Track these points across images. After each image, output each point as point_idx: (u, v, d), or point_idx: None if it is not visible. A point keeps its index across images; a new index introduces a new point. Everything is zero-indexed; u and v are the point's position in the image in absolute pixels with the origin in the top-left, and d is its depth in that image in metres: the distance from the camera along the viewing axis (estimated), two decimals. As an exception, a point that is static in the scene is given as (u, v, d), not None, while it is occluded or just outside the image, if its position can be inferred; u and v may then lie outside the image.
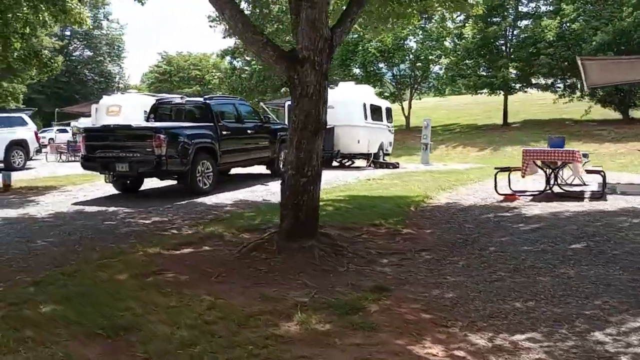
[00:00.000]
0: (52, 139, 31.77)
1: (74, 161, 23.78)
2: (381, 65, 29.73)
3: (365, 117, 16.03)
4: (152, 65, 69.77)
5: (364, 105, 16.11)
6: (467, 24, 27.30)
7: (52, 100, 56.70)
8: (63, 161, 23.77)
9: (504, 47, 27.94)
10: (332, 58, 5.80)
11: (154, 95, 24.82)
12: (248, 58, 37.90)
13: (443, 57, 28.55)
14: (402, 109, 31.65)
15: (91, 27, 66.73)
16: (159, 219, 7.92)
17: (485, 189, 10.75)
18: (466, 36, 27.20)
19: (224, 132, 10.72)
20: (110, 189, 11.36)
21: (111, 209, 8.90)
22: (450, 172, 14.49)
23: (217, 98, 11.61)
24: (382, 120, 17.45)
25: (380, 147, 17.18)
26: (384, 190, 10.53)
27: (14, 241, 6.62)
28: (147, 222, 7.77)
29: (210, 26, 34.89)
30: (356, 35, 31.68)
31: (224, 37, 36.65)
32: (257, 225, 7.17)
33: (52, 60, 14.60)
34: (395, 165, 16.49)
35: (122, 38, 72.57)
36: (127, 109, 22.01)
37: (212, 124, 10.58)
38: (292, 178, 5.46)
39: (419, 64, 28.64)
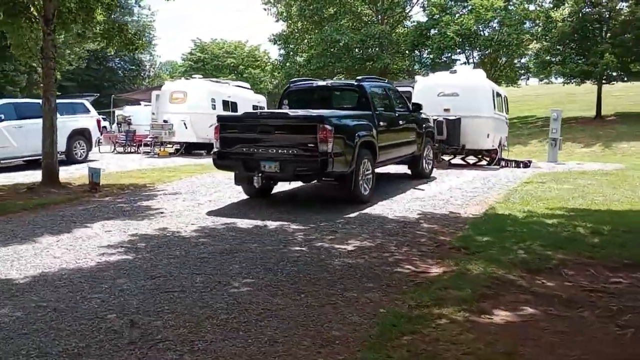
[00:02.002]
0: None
1: (132, 152, 21.77)
2: (459, 50, 27.03)
3: (494, 107, 13.64)
4: (185, 52, 67.73)
5: (493, 92, 13.71)
6: (565, 4, 24.27)
7: (84, 88, 55.04)
8: (119, 152, 21.72)
9: (598, 31, 25.01)
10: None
11: (218, 81, 22.66)
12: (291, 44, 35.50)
13: (535, 41, 25.83)
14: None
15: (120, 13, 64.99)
16: (359, 244, 5.70)
17: None
18: (556, 18, 24.36)
19: (381, 123, 8.46)
20: (233, 192, 9.22)
21: (270, 224, 6.70)
22: (609, 174, 12.10)
23: (369, 80, 9.30)
24: (502, 111, 15.04)
25: (500, 142, 14.78)
26: (590, 201, 8.20)
27: (195, 282, 4.45)
28: (347, 247, 5.56)
29: (264, 9, 32.64)
30: (426, 19, 29.17)
31: (277, 21, 34.48)
32: (532, 261, 4.91)
33: (137, 37, 12.44)
34: (526, 164, 14.08)
35: (153, 25, 70.47)
36: (194, 95, 19.92)
37: (369, 112, 8.32)
38: None
39: (504, 49, 25.92)
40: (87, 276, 4.64)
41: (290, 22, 33.51)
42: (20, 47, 11.17)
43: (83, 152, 17.21)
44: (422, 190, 9.31)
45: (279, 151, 7.27)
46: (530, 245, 5.43)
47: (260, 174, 7.25)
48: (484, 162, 14.51)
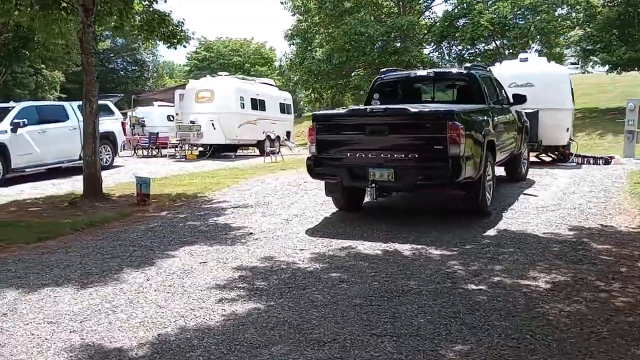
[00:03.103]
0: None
1: (156, 156, 20.35)
2: (491, 41, 25.43)
3: (572, 97, 12.30)
4: (189, 52, 66.04)
5: (570, 81, 12.37)
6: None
7: (87, 89, 53.47)
8: (142, 156, 20.27)
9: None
10: None
11: (244, 79, 21.29)
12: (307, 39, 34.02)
13: (577, 27, 24.34)
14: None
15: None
16: (549, 278, 4.38)
17: None
18: (595, 3, 22.86)
19: (495, 119, 7.14)
20: (311, 203, 7.90)
21: (400, 247, 5.39)
22: None
23: (478, 67, 7.94)
24: (574, 102, 13.69)
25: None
26: None
27: (385, 350, 3.14)
28: (538, 284, 4.25)
29: (282, 2, 31.27)
30: (452, 8, 27.71)
31: (293, 15, 33.16)
32: None
33: (179, 28, 11.05)
34: (607, 160, 12.74)
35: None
36: (222, 94, 18.58)
37: (485, 105, 7.00)
38: None
39: (540, 37, 24.41)
40: (226, 342, 3.31)
41: (307, 15, 32.13)
42: (52, 42, 9.83)
43: (108, 157, 15.91)
44: (535, 196, 7.99)
45: (395, 155, 5.95)
46: None
47: (374, 185, 5.91)
48: (549, 159, 13.18)
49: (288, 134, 22.13)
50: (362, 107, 6.63)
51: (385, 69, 7.90)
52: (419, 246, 5.38)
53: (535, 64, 12.39)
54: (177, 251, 5.55)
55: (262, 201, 8.51)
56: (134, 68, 66.41)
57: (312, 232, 6.18)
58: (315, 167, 6.36)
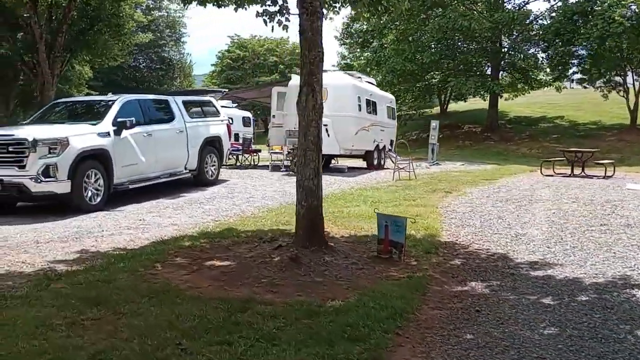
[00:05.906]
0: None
1: (248, 167, 16.76)
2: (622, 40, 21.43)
3: None
4: (221, 50, 62.49)
5: None
6: None
7: (110, 87, 50.04)
8: (232, 166, 16.65)
9: None
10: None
11: (352, 75, 17.77)
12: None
13: None
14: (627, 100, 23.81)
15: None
16: None
17: None
18: None
19: None
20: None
21: None
22: None
23: None
24: None
25: None
26: None
27: None
28: None
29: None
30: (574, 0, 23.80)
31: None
32: None
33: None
34: None
35: (183, 21, 64.26)
36: (337, 93, 14.96)
37: None
38: None
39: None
40: None
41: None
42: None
43: (214, 169, 12.44)
44: None
45: None
46: None
47: None
48: None
49: (391, 142, 18.69)
50: None
51: None
52: None
53: None
54: None
55: (622, 273, 5.03)
56: (157, 66, 62.81)
57: None
58: None
